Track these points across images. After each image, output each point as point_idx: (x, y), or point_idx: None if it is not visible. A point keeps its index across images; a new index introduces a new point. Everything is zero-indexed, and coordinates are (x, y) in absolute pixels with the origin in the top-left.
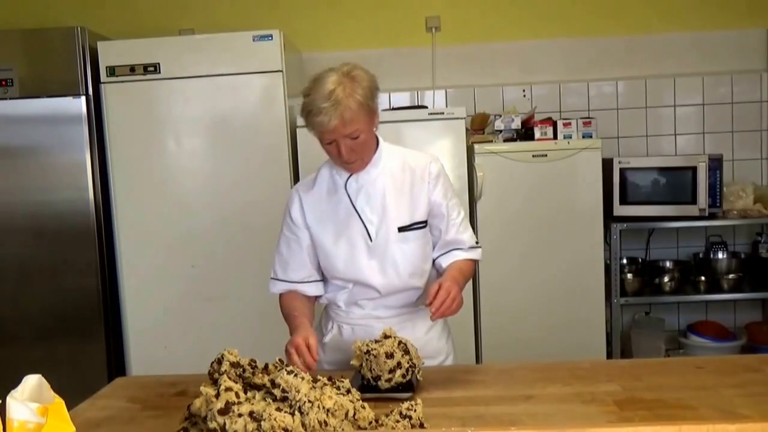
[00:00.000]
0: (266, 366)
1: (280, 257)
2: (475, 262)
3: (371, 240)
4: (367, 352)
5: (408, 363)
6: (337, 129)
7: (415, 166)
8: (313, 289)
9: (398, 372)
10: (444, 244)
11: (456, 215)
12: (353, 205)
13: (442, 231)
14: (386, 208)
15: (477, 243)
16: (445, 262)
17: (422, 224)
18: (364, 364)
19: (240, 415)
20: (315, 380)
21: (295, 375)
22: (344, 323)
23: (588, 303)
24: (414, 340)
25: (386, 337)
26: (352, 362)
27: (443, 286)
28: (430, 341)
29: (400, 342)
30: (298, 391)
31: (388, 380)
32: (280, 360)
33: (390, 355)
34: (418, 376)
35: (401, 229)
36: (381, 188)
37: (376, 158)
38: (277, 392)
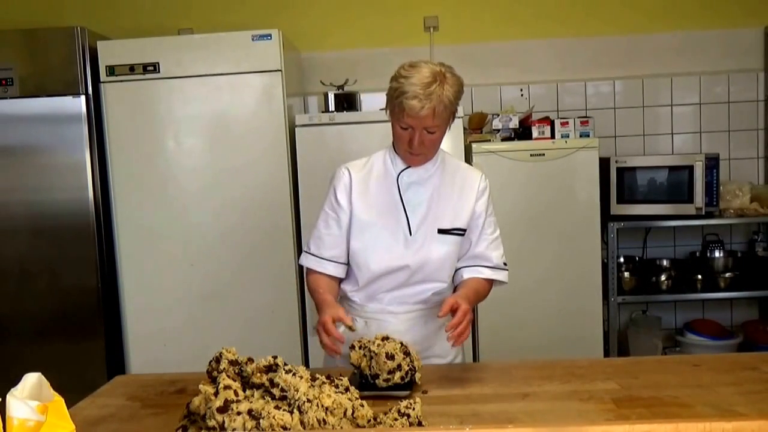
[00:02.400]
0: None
1: (317, 232)
2: (497, 283)
3: (410, 234)
4: (369, 350)
5: (408, 366)
6: (425, 119)
7: (466, 176)
8: (338, 271)
9: (397, 374)
10: (471, 257)
11: (491, 232)
12: (401, 197)
13: (473, 243)
14: (431, 208)
15: (505, 265)
16: (467, 274)
17: (461, 232)
18: (363, 362)
19: (239, 414)
20: (313, 378)
21: (294, 374)
22: (358, 316)
23: (585, 301)
24: (425, 338)
25: (385, 338)
26: (350, 361)
27: (461, 308)
28: (440, 340)
29: (401, 344)
30: (297, 390)
31: (386, 380)
32: (273, 357)
33: (391, 357)
34: (416, 379)
35: (441, 231)
36: (431, 188)
37: (434, 159)
38: (276, 391)
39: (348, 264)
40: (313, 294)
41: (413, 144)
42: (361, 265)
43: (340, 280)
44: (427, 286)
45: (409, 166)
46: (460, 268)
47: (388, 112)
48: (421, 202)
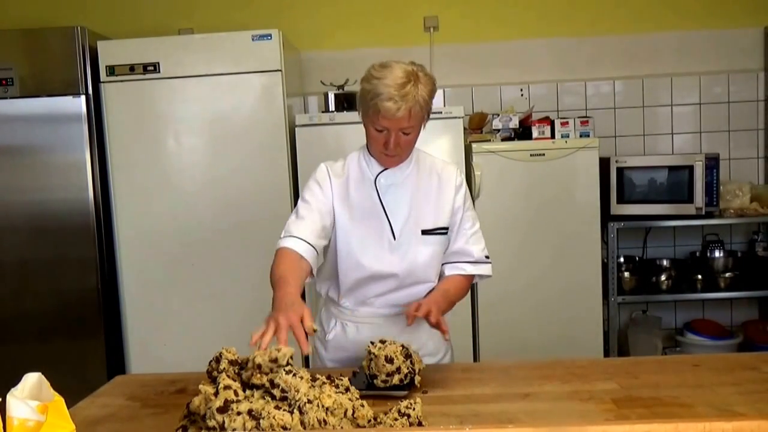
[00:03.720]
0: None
1: (299, 219)
2: (481, 277)
3: (394, 238)
4: (369, 352)
5: (408, 369)
6: (400, 120)
7: (441, 172)
8: (309, 254)
9: (396, 376)
10: (451, 253)
11: (469, 226)
12: (381, 201)
13: (452, 239)
14: (412, 209)
15: (487, 258)
16: (448, 271)
17: (444, 230)
18: (365, 363)
19: (239, 414)
20: (314, 379)
21: (294, 375)
22: (349, 321)
23: (585, 301)
24: (418, 338)
25: (382, 342)
26: (363, 363)
27: (422, 308)
28: (431, 339)
29: (402, 346)
30: (298, 391)
31: (385, 381)
32: (276, 350)
33: (390, 360)
34: (416, 382)
35: (425, 232)
36: (409, 189)
37: (408, 159)
38: (276, 392)
39: (318, 254)
40: (278, 278)
41: (389, 146)
42: (347, 270)
43: (310, 270)
44: (417, 288)
45: (385, 169)
46: (442, 265)
47: (360, 113)
48: (401, 204)
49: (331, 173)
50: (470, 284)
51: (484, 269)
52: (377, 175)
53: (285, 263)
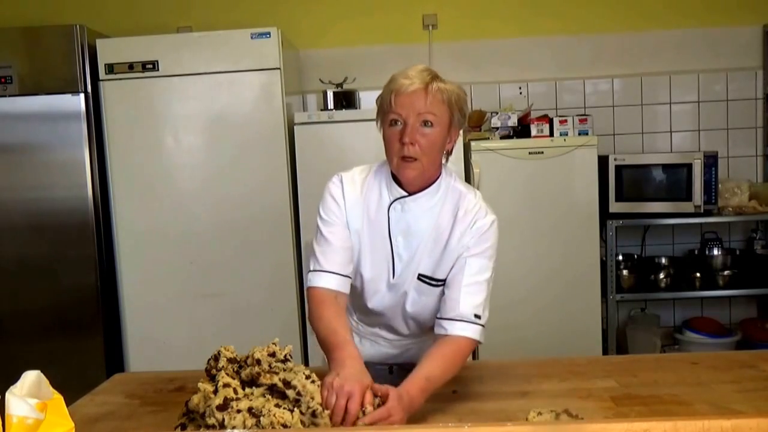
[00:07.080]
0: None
1: (326, 245)
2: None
3: (393, 276)
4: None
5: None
6: (416, 98)
7: (467, 211)
8: (342, 286)
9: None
10: (442, 300)
11: (470, 273)
12: (389, 230)
13: (446, 283)
14: (418, 250)
15: (477, 317)
16: (435, 329)
17: (441, 283)
18: None
19: (239, 411)
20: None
21: (312, 381)
22: (355, 332)
23: (584, 299)
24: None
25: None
26: None
27: (389, 407)
28: None
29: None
30: (313, 398)
31: None
32: (273, 344)
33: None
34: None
35: (420, 277)
36: (423, 227)
37: (434, 188)
38: (290, 393)
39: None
40: (330, 336)
41: (405, 139)
42: (351, 290)
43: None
44: (415, 324)
45: (404, 196)
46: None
47: (379, 123)
48: (410, 242)
49: (345, 186)
50: (467, 348)
51: (468, 331)
52: (392, 202)
53: (327, 310)
